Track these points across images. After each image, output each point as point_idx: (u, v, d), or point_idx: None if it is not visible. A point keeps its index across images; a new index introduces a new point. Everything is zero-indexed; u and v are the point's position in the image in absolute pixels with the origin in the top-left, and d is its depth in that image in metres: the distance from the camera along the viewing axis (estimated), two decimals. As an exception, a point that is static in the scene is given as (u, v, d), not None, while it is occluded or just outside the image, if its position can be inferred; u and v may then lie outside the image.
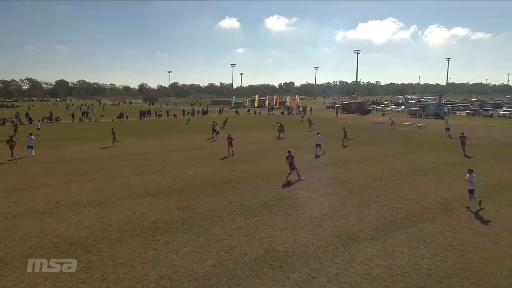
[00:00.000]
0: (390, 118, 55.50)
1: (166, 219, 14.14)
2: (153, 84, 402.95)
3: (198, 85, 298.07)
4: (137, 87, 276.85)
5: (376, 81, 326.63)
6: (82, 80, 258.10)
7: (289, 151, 20.58)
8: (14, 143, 26.51)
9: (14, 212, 14.93)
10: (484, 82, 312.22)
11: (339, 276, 9.94)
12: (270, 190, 18.24)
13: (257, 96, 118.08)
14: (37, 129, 44.77)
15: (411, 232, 12.95)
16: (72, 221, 13.99)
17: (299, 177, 20.26)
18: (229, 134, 29.09)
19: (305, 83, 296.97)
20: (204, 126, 48.88)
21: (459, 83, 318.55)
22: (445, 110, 71.63)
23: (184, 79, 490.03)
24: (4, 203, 16.15)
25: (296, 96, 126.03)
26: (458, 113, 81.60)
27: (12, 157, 26.19)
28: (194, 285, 9.55)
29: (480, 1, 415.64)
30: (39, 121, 56.10)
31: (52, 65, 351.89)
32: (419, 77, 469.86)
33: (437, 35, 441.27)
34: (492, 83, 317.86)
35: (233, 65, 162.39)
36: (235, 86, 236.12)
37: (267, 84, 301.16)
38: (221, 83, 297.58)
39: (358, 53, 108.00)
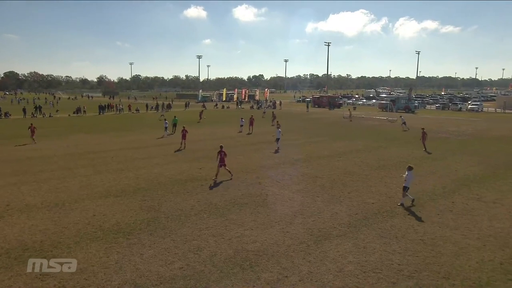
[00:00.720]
0: (348, 109, 57.00)
1: (129, 221, 13.88)
2: (113, 76, 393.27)
3: (162, 78, 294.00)
4: (95, 80, 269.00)
5: (347, 75, 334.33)
6: (34, 72, 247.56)
7: (221, 147, 20.16)
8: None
9: (-42, 217, 14.19)
10: (453, 75, 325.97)
11: (311, 274, 10.11)
12: (240, 188, 18.27)
13: (225, 89, 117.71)
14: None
15: (383, 227, 13.35)
16: (25, 225, 13.46)
17: (230, 174, 19.97)
18: (184, 127, 30.57)
19: (275, 76, 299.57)
20: (169, 122, 48.15)
21: (429, 77, 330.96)
22: (416, 104, 74.18)
23: (147, 72, 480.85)
24: None
25: (266, 89, 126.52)
26: (428, 107, 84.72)
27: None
28: (160, 289, 9.44)
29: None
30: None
31: (0, 56, 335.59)
32: (390, 70, 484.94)
33: (407, 28, 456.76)
34: (461, 77, 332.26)
35: (199, 57, 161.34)
36: (201, 79, 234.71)
37: (236, 77, 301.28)
38: (187, 76, 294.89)
39: (328, 45, 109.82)
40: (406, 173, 15.76)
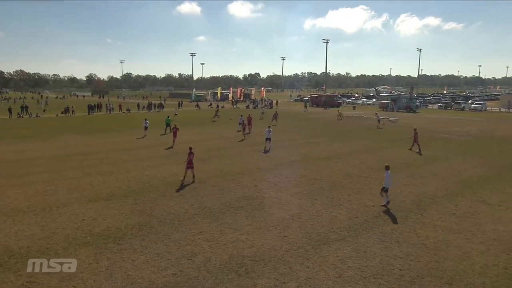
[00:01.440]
0: (338, 111, 57.28)
1: (120, 225, 13.84)
2: (103, 75, 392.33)
3: (154, 76, 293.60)
4: (84, 78, 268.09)
5: (346, 73, 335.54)
6: (21, 70, 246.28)
7: (190, 148, 20.05)
8: None
9: None
10: (455, 74, 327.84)
11: (310, 280, 10.12)
12: (235, 191, 18.26)
13: (219, 88, 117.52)
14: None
15: (384, 231, 13.39)
16: (10, 230, 13.38)
17: (184, 177, 19.86)
18: (175, 125, 32.56)
19: (272, 74, 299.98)
20: (160, 122, 48.11)
21: (431, 75, 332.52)
22: (417, 103, 74.46)
23: (139, 70, 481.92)
24: None
25: (262, 88, 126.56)
26: (430, 106, 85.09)
27: None
28: (152, 296, 9.42)
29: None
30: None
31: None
32: (391, 68, 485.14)
33: (409, 25, 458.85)
34: (464, 75, 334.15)
35: (193, 54, 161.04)
36: (195, 78, 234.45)
37: (231, 75, 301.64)
38: (180, 74, 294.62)
39: (327, 42, 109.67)
40: (387, 173, 16.00)
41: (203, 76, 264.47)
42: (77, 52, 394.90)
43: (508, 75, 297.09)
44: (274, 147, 30.06)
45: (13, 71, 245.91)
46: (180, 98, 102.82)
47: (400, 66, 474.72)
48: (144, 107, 74.88)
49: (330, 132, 40.48)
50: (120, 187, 18.91)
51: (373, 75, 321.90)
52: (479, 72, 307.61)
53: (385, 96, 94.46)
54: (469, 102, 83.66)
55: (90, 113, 66.23)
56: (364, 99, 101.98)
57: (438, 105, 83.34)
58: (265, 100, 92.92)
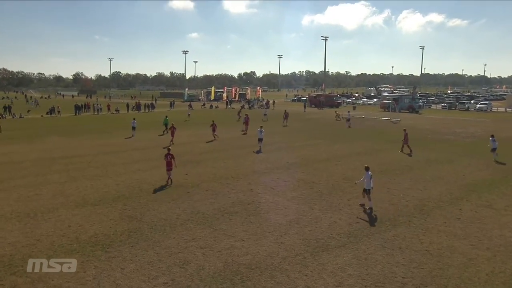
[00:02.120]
0: (335, 112, 57.51)
1: (109, 232, 13.78)
2: (90, 73, 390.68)
3: (145, 75, 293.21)
4: (71, 77, 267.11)
5: (346, 72, 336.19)
6: (3, 69, 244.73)
7: (168, 149, 20.96)
8: None
9: None
10: (460, 73, 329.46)
11: (308, 289, 10.11)
12: (230, 195, 18.25)
13: (213, 87, 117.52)
14: None
15: (385, 237, 13.42)
16: (-8, 237, 13.30)
17: (168, 179, 20.38)
18: (172, 124, 34.83)
19: (268, 73, 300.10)
20: (151, 123, 48.08)
21: (434, 74, 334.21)
22: (420, 104, 74.80)
23: (128, 68, 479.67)
24: None
25: (258, 87, 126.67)
26: (433, 106, 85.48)
27: None
28: (142, 307, 9.38)
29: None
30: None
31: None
32: (392, 67, 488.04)
33: (411, 21, 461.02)
34: (468, 74, 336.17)
35: (185, 52, 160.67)
36: (188, 77, 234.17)
37: (225, 74, 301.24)
38: (171, 73, 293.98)
39: (326, 39, 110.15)
40: (367, 174, 16.33)
41: (196, 75, 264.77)
42: (63, 50, 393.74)
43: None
44: (271, 149, 30.14)
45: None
46: (172, 98, 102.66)
47: (402, 65, 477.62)
48: (133, 107, 74.72)
49: (329, 133, 40.56)
50: (109, 191, 18.85)
51: (374, 74, 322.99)
52: (484, 71, 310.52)
53: (387, 96, 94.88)
54: (472, 102, 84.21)
55: (77, 114, 66.03)
56: (365, 99, 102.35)
57: (442, 105, 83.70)
58: (260, 100, 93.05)
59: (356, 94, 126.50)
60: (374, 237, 13.41)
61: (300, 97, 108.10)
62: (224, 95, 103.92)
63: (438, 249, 12.51)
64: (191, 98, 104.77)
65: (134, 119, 41.44)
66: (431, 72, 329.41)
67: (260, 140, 30.70)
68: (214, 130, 36.28)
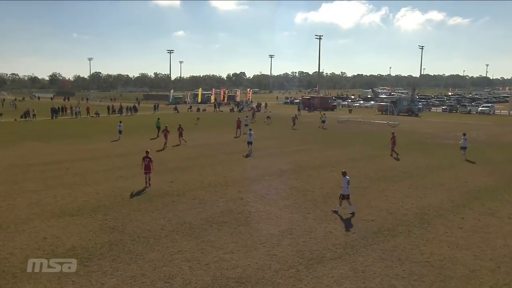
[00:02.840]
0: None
1: (88, 244, 13.67)
2: (68, 74, 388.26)
3: (127, 76, 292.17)
4: (47, 78, 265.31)
5: (341, 72, 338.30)
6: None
7: (147, 152, 21.75)
8: None
9: None
10: (461, 73, 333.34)
11: (302, 304, 10.11)
12: (218, 204, 18.22)
13: (200, 89, 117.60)
14: None
15: (384, 248, 13.47)
16: (-39, 251, 13.12)
17: (146, 182, 21.21)
18: (166, 127, 35.59)
19: (259, 74, 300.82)
20: (134, 127, 47.91)
21: (434, 75, 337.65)
22: (420, 106, 75.50)
23: (109, 68, 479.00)
24: None
25: (248, 89, 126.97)
26: (433, 109, 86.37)
27: None
28: (124, 325, 9.30)
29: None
30: None
31: None
32: (390, 67, 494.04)
33: (410, 20, 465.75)
34: (470, 75, 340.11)
35: (170, 52, 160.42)
36: (173, 78, 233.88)
37: (213, 75, 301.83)
38: (156, 74, 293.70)
39: (320, 38, 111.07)
40: (345, 178, 16.75)
41: (182, 76, 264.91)
42: (39, 49, 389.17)
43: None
44: (262, 155, 30.19)
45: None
46: (156, 100, 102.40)
47: (400, 65, 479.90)
48: (115, 110, 74.38)
49: (324, 138, 40.72)
50: (88, 201, 18.71)
51: (371, 75, 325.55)
52: (487, 71, 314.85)
53: (385, 98, 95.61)
54: (473, 104, 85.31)
55: (54, 117, 65.46)
56: (361, 102, 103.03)
57: (442, 108, 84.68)
58: (249, 103, 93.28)
59: (352, 96, 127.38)
60: (372, 248, 13.45)
61: (293, 100, 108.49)
62: (212, 97, 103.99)
63: (440, 260, 12.58)
64: (177, 100, 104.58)
65: (120, 122, 41.91)
66: (431, 73, 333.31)
67: (249, 143, 31.62)
68: (181, 135, 36.20)
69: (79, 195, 19.59)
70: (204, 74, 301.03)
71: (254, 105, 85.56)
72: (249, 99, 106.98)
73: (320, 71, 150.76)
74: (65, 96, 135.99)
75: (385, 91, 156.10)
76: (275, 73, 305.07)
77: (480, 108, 77.78)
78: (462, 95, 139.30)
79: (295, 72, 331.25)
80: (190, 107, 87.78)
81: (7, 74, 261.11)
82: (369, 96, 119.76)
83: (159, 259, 12.58)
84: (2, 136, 42.75)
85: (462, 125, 54.24)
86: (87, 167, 26.23)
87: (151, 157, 21.45)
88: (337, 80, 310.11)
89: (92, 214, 16.76)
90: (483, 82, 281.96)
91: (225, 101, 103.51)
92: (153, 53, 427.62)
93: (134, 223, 15.69)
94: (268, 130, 46.28)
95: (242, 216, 16.65)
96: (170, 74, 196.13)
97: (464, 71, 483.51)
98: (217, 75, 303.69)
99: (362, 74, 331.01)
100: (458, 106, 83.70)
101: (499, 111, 76.61)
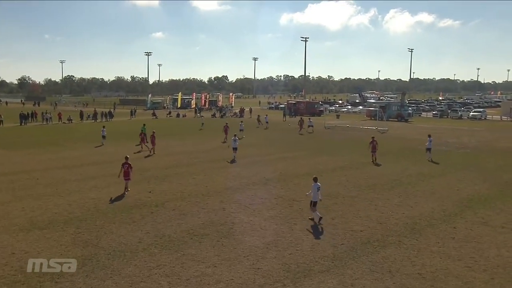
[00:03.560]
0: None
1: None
2: (39, 77, 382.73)
3: (102, 79, 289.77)
4: (15, 82, 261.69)
5: (328, 76, 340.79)
6: None
7: (126, 157, 22.17)
8: None
9: None
10: (451, 77, 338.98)
11: (289, 320, 10.10)
12: (199, 215, 18.14)
13: (180, 94, 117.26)
14: None
15: (374, 260, 13.55)
16: None
17: (126, 189, 21.81)
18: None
19: (242, 77, 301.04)
20: (109, 134, 47.46)
21: (424, 79, 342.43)
22: (410, 111, 76.46)
23: (83, 72, 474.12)
24: None
25: (231, 93, 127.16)
26: (423, 114, 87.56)
27: None
28: None
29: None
30: None
31: None
32: (379, 71, 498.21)
33: (399, 22, 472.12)
34: (461, 79, 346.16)
35: (148, 54, 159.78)
36: (151, 81, 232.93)
37: (194, 78, 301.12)
38: (132, 77, 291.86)
39: (306, 41, 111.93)
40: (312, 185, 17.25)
41: (160, 80, 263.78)
42: (7, 50, 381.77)
43: (510, 79, 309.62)
44: (246, 163, 30.22)
45: None
46: (133, 105, 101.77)
47: (389, 69, 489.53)
48: (89, 116, 73.71)
49: (311, 145, 40.92)
50: (60, 213, 18.47)
51: (359, 79, 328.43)
52: (478, 75, 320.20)
53: (373, 103, 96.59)
54: (463, 108, 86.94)
55: (23, 124, 64.57)
56: (349, 106, 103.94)
57: (433, 113, 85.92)
58: (229, 108, 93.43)
59: (340, 101, 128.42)
60: (361, 260, 13.52)
61: (278, 105, 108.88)
62: (193, 102, 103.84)
63: (432, 272, 12.70)
64: (155, 105, 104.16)
65: (103, 127, 43.04)
66: (421, 77, 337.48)
67: (234, 149, 32.26)
68: (153, 143, 35.47)
69: (50, 207, 19.33)
70: (184, 78, 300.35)
71: (236, 111, 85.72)
72: (231, 104, 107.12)
73: (306, 74, 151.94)
74: (35, 101, 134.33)
75: (373, 95, 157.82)
76: (259, 76, 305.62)
77: (471, 113, 79.14)
78: (453, 99, 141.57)
79: (280, 76, 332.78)
80: (169, 112, 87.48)
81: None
82: (357, 101, 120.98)
83: (136, 274, 12.45)
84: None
85: (454, 130, 55.10)
86: (58, 177, 25.90)
87: (131, 164, 21.65)
88: (324, 84, 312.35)
89: (64, 227, 16.54)
90: (474, 86, 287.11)
91: (207, 106, 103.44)
92: (130, 55, 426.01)
93: (109, 236, 15.53)
94: (253, 136, 46.27)
95: (225, 227, 16.59)
96: (148, 77, 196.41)
97: (455, 75, 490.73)
98: (198, 79, 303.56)
99: (350, 78, 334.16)
100: (449, 111, 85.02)
101: (491, 116, 78.01)
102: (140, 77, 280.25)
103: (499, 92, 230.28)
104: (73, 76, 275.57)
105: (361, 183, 24.40)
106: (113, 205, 19.61)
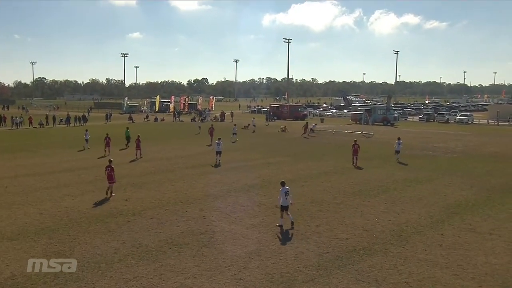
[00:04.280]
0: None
1: (30, 272, 13.25)
2: (8, 80, 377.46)
3: (75, 82, 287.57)
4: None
5: (312, 79, 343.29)
6: None
7: (110, 161, 23.11)
8: None
9: None
10: (438, 80, 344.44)
11: (272, 333, 10.08)
12: (178, 224, 18.04)
13: (158, 97, 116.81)
14: None
15: (360, 268, 13.62)
16: None
17: (111, 193, 22.39)
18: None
19: (223, 80, 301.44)
20: (83, 139, 46.99)
21: (410, 82, 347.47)
22: (395, 115, 77.44)
23: (55, 74, 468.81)
24: None
25: (211, 97, 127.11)
26: (410, 118, 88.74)
27: None
28: None
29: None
30: None
31: None
32: (364, 74, 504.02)
33: (384, 23, 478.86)
34: (447, 82, 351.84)
35: (125, 55, 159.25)
36: (127, 84, 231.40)
37: (172, 81, 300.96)
38: (108, 80, 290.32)
39: (289, 42, 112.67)
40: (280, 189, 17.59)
41: (137, 82, 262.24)
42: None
43: (496, 82, 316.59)
44: (227, 169, 30.22)
45: None
46: (108, 109, 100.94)
47: (375, 71, 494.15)
48: (61, 120, 72.92)
49: (294, 150, 41.05)
50: (30, 222, 18.18)
51: (343, 82, 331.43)
52: (464, 78, 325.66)
53: (359, 106, 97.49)
54: (450, 112, 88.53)
55: (-10, 129, 63.67)
56: (334, 110, 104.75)
57: (419, 117, 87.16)
58: (207, 112, 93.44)
59: (324, 104, 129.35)
60: (346, 269, 13.58)
61: (261, 108, 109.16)
62: (171, 105, 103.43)
63: (419, 280, 12.81)
64: (132, 109, 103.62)
65: (86, 130, 44.60)
66: (407, 80, 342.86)
67: (218, 153, 32.78)
68: (138, 147, 35.90)
69: (20, 216, 19.02)
70: (162, 80, 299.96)
71: (217, 114, 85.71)
72: (211, 107, 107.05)
73: (290, 77, 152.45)
74: (4, 104, 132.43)
75: (358, 99, 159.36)
76: (241, 79, 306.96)
77: (458, 117, 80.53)
78: (439, 103, 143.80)
79: (263, 79, 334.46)
80: (147, 116, 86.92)
81: None
82: (341, 104, 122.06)
83: (112, 287, 12.31)
84: None
85: (440, 135, 55.90)
86: (29, 184, 25.52)
87: (113, 167, 22.06)
88: (307, 87, 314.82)
89: (34, 238, 16.29)
90: (461, 89, 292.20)
91: (186, 109, 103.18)
92: (106, 56, 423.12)
93: (83, 247, 15.33)
94: (237, 140, 46.24)
95: (205, 236, 16.52)
96: (124, 80, 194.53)
97: (441, 78, 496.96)
98: (177, 82, 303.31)
99: (334, 81, 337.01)
100: (436, 115, 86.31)
101: (477, 120, 79.40)
102: (116, 79, 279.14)
103: (486, 95, 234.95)
104: (45, 78, 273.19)
105: (346, 189, 24.55)
106: (88, 214, 19.36)
